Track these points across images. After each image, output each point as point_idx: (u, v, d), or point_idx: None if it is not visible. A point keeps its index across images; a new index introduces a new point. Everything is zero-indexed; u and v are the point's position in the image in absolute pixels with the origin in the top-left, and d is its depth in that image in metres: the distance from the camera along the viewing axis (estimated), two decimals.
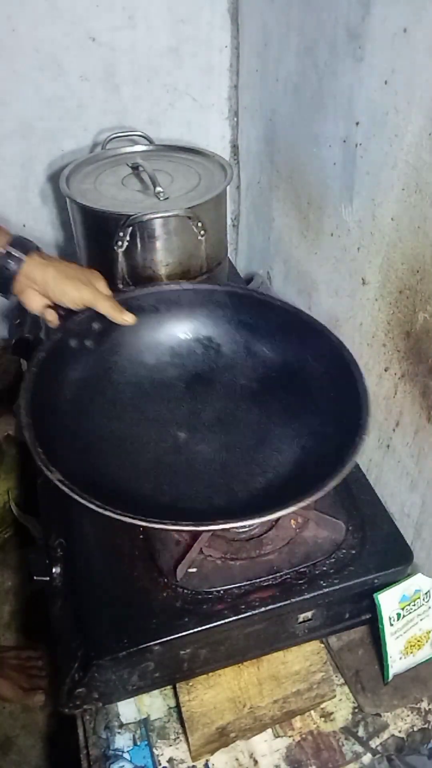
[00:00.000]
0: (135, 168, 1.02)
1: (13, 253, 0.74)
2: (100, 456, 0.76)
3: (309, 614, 0.72)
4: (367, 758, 0.70)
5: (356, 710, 0.73)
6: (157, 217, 0.89)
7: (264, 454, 0.77)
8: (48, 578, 0.72)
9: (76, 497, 0.60)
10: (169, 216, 0.90)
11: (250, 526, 0.73)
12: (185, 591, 0.68)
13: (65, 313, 0.80)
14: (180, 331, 0.89)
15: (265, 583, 0.69)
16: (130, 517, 0.58)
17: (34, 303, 0.78)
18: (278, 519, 0.74)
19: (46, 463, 0.63)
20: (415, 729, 0.72)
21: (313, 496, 0.60)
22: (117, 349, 0.85)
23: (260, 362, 0.86)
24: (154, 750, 0.70)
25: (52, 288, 0.77)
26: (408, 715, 0.73)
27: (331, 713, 0.73)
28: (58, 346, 0.78)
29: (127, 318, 0.81)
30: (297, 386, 0.82)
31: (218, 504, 0.72)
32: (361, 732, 0.72)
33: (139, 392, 0.84)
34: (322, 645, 0.76)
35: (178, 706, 0.72)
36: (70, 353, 0.81)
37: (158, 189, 0.92)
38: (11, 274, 0.75)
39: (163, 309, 0.88)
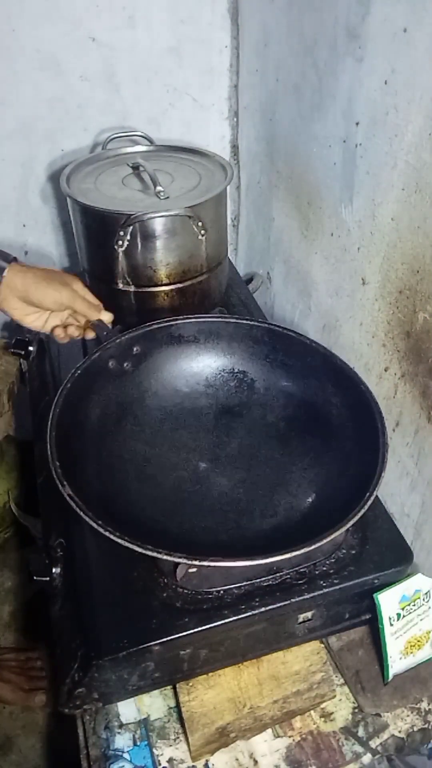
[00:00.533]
0: (135, 168, 1.02)
1: None
2: (119, 475, 0.78)
3: (309, 614, 0.72)
4: (367, 758, 0.70)
5: (356, 710, 0.73)
6: (158, 217, 0.89)
7: (278, 495, 0.78)
8: (48, 578, 0.72)
9: (82, 514, 0.62)
10: (169, 215, 0.90)
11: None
12: (185, 591, 0.68)
13: (105, 334, 0.84)
14: (217, 362, 0.91)
15: (265, 583, 0.69)
16: (125, 540, 0.61)
17: (17, 311, 0.81)
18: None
19: (60, 476, 0.65)
20: (415, 729, 0.72)
21: (308, 547, 0.62)
22: (153, 373, 0.89)
23: (291, 402, 0.87)
24: (154, 750, 0.70)
25: (33, 292, 0.79)
26: (408, 715, 0.73)
27: (331, 713, 0.73)
28: (94, 365, 0.81)
29: (103, 316, 0.84)
30: (322, 430, 0.82)
31: (223, 539, 0.73)
32: (361, 732, 0.72)
33: (168, 418, 0.87)
34: (322, 645, 0.76)
35: (178, 706, 0.72)
36: (108, 373, 0.84)
37: (159, 188, 0.92)
38: None
39: (202, 339, 0.90)
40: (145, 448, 0.83)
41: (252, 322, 0.90)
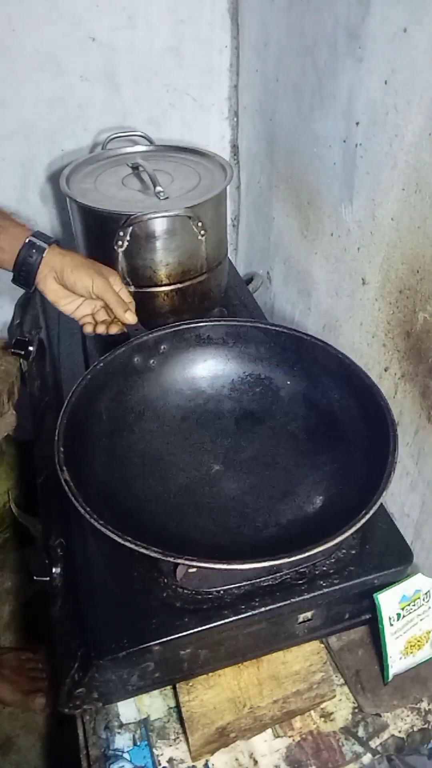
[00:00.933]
0: (135, 168, 1.02)
1: (36, 242, 0.79)
2: (128, 469, 0.78)
3: (309, 614, 0.72)
4: (367, 758, 0.70)
5: (356, 710, 0.73)
6: (158, 217, 0.89)
7: (286, 505, 0.77)
8: (48, 578, 0.72)
9: (74, 501, 0.63)
10: (169, 216, 0.90)
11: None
12: (185, 591, 0.68)
13: (132, 329, 0.85)
14: (244, 367, 0.91)
15: (265, 583, 0.69)
16: (110, 530, 0.61)
17: (52, 293, 0.82)
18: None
19: (62, 462, 0.66)
20: (415, 729, 0.72)
21: (308, 552, 0.61)
22: (179, 372, 0.89)
23: (312, 413, 0.86)
24: (154, 750, 0.70)
25: (68, 274, 0.80)
26: (408, 715, 0.73)
27: (331, 713, 0.73)
28: (118, 359, 0.82)
29: (128, 317, 0.84)
30: (340, 445, 0.81)
31: (220, 542, 0.73)
32: (361, 732, 0.72)
33: (189, 418, 0.87)
34: (322, 645, 0.76)
35: (178, 706, 0.72)
36: (131, 368, 0.84)
37: (158, 189, 0.92)
38: (35, 263, 0.79)
39: (230, 343, 0.90)
40: (160, 446, 0.83)
41: (281, 329, 0.89)
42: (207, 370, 0.90)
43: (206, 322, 0.89)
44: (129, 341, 0.84)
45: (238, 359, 0.91)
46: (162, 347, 0.87)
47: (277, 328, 0.89)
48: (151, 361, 0.86)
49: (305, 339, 0.87)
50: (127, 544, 0.60)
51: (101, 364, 0.80)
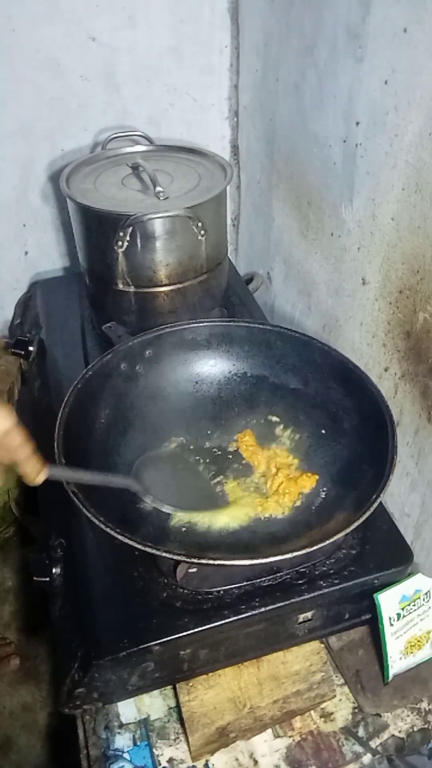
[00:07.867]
0: (135, 168, 1.02)
1: None
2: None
3: (309, 614, 0.72)
4: (367, 758, 0.70)
5: (356, 710, 0.73)
6: (158, 217, 0.89)
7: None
8: (48, 578, 0.72)
9: (84, 510, 0.63)
10: (169, 216, 0.90)
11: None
12: (185, 591, 0.68)
13: (121, 336, 0.84)
14: (229, 366, 0.91)
15: (265, 583, 0.69)
16: (126, 537, 0.61)
17: None
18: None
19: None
20: (415, 729, 0.72)
21: (308, 548, 0.62)
22: (165, 376, 0.89)
23: (302, 406, 0.86)
24: (154, 750, 0.70)
25: None
26: (408, 716, 0.73)
27: (331, 713, 0.73)
28: (106, 367, 0.82)
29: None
30: (334, 435, 0.82)
31: (225, 539, 0.73)
32: (361, 732, 0.72)
33: (180, 421, 0.87)
34: (322, 645, 0.76)
35: (178, 706, 0.72)
36: (119, 375, 0.84)
37: (158, 189, 0.92)
38: None
39: (215, 343, 0.90)
40: (156, 450, 0.83)
41: (264, 326, 0.89)
42: (193, 371, 0.90)
43: (189, 324, 0.89)
44: (114, 348, 0.84)
45: (222, 359, 0.91)
46: (147, 352, 0.87)
47: (259, 326, 0.89)
48: (138, 367, 0.86)
49: (288, 334, 0.87)
50: (148, 550, 0.60)
51: (90, 373, 0.80)
